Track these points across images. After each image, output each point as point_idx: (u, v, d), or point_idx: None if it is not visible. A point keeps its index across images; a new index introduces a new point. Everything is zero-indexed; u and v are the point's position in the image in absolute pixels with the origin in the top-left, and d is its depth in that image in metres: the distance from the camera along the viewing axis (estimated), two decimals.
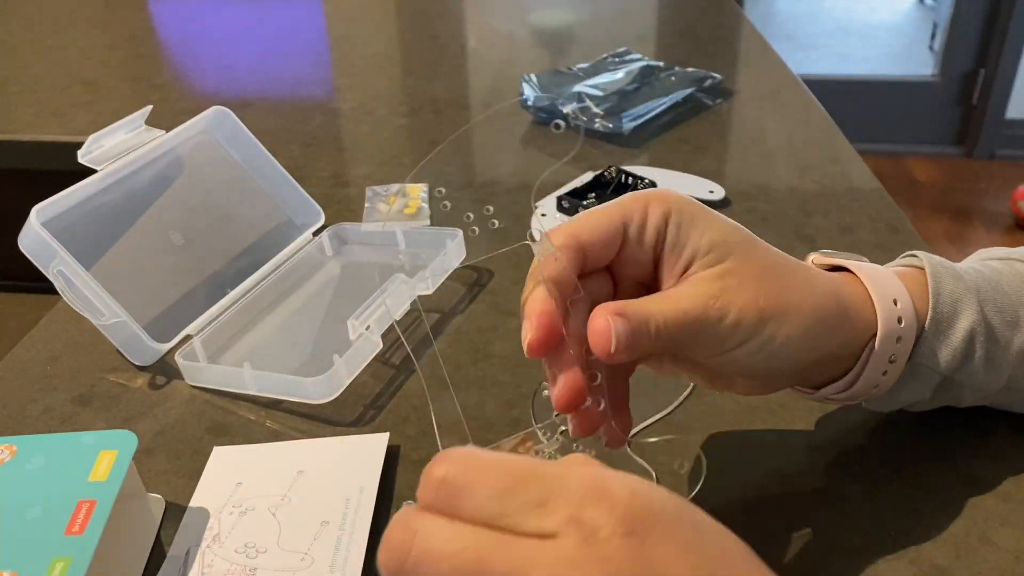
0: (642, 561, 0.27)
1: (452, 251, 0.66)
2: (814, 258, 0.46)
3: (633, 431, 0.52)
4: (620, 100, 0.94)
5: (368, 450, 0.50)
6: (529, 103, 0.95)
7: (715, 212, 0.41)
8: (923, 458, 0.49)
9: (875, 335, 0.41)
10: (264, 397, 0.56)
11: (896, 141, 2.95)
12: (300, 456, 0.51)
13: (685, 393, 0.54)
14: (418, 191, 0.80)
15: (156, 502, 0.48)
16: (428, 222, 0.75)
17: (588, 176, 0.77)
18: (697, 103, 0.98)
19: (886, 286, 0.42)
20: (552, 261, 0.38)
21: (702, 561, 0.29)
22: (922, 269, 0.44)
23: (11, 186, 0.97)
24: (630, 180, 0.75)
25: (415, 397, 0.56)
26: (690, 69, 1.03)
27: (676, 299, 0.38)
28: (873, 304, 0.42)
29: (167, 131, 0.66)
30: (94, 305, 0.56)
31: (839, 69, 3.14)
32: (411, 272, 0.62)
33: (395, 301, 0.59)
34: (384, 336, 0.59)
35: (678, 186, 0.77)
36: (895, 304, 0.42)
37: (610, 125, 0.89)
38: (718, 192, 0.77)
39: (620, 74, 1.00)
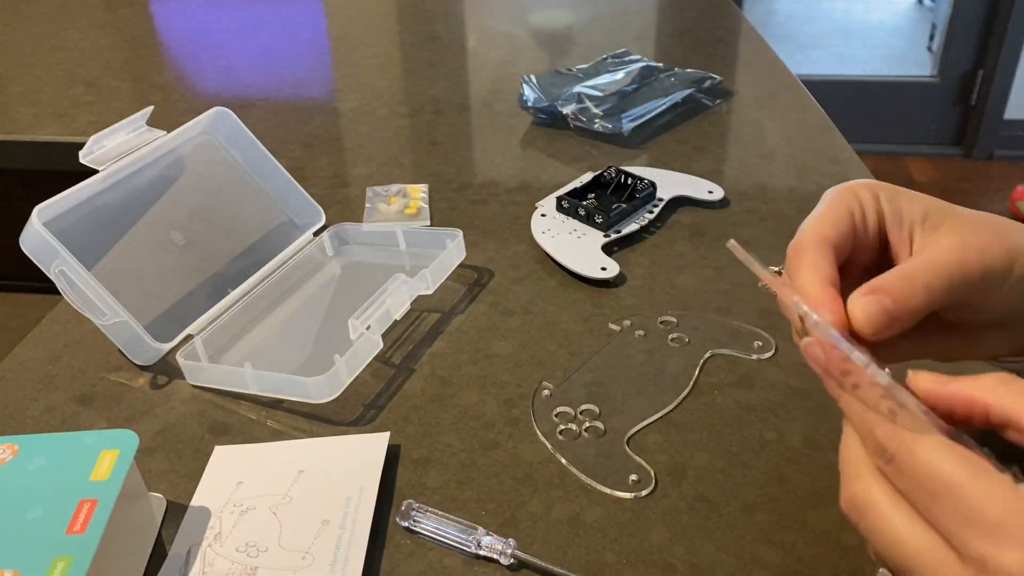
0: None
1: (452, 251, 0.66)
2: None
3: (632, 430, 0.52)
4: (619, 101, 0.94)
5: (369, 449, 0.50)
6: (529, 104, 0.95)
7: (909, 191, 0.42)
8: None
9: None
10: (265, 396, 0.56)
11: (895, 142, 2.95)
12: (301, 455, 0.51)
13: (684, 392, 0.55)
14: (418, 191, 0.80)
15: (157, 501, 0.48)
16: (428, 222, 0.75)
17: (588, 176, 0.78)
18: (696, 104, 0.98)
19: None
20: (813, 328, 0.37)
21: None
22: None
23: (13, 186, 0.97)
24: (630, 180, 0.75)
25: (415, 397, 0.56)
26: (689, 70, 1.03)
27: (928, 258, 0.38)
28: None
29: (168, 132, 0.66)
30: (95, 305, 0.56)
31: (838, 70, 3.14)
32: (411, 272, 0.62)
33: (395, 301, 0.60)
34: (384, 336, 0.59)
35: (677, 187, 0.78)
36: None
37: (609, 126, 0.89)
38: (717, 192, 0.77)
39: (619, 75, 1.01)
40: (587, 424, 0.52)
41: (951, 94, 2.87)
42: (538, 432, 0.52)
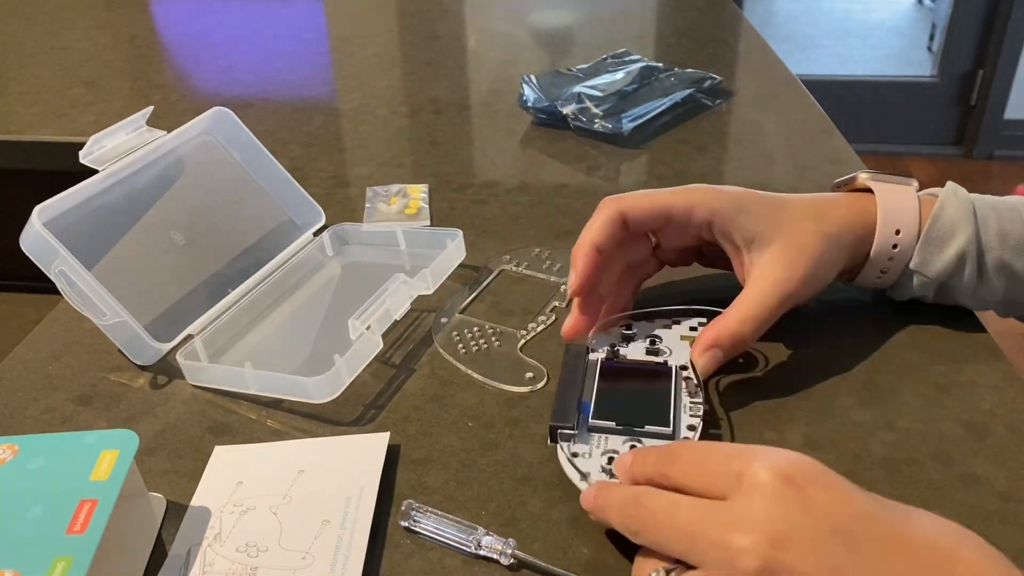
0: (802, 504, 0.32)
1: (452, 251, 0.66)
2: (863, 177, 0.57)
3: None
4: (619, 101, 0.94)
5: (369, 449, 0.50)
6: (529, 104, 0.95)
7: (752, 196, 0.55)
8: (923, 458, 0.49)
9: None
10: (265, 396, 0.56)
11: (895, 141, 2.95)
12: (301, 455, 0.51)
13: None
14: (418, 191, 0.80)
15: (157, 501, 0.48)
16: (428, 222, 0.75)
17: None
18: (696, 104, 0.98)
19: (895, 217, 0.55)
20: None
21: (865, 508, 0.33)
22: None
23: (13, 186, 0.97)
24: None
25: (416, 397, 0.56)
26: (689, 70, 1.03)
27: (755, 298, 0.52)
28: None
29: (168, 131, 0.66)
30: (95, 305, 0.56)
31: (838, 70, 3.14)
32: (411, 272, 0.62)
33: (395, 301, 0.60)
34: (384, 336, 0.59)
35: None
36: (896, 234, 0.54)
37: (609, 126, 0.89)
38: None
39: (619, 75, 1.01)
40: None
41: (951, 94, 2.87)
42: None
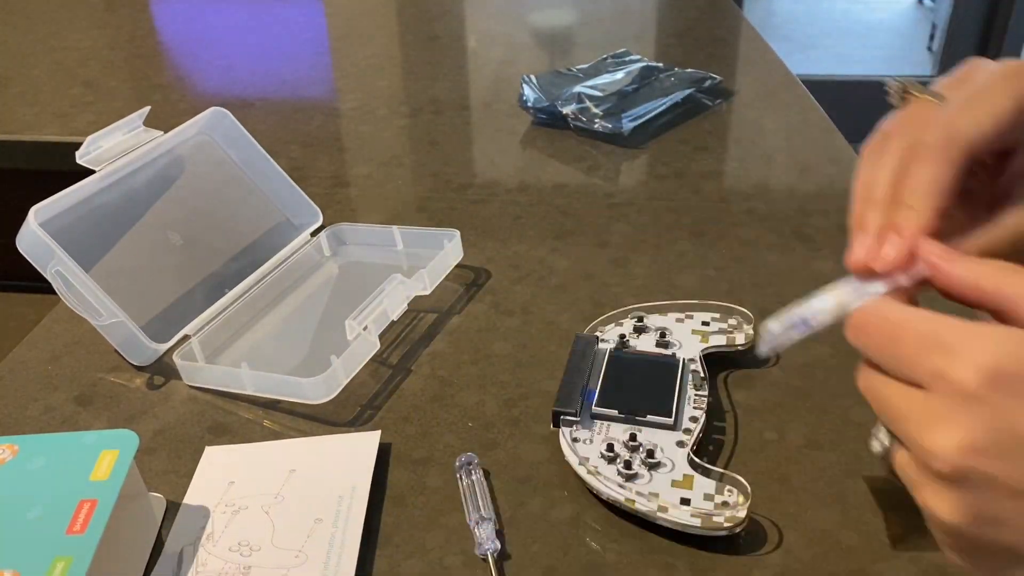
0: (1000, 414, 0.29)
1: (450, 251, 0.66)
2: None
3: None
4: (620, 101, 0.94)
5: (360, 448, 0.50)
6: (529, 104, 0.95)
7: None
8: None
9: None
10: (264, 397, 0.56)
11: None
12: (292, 455, 0.51)
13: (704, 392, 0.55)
14: None
15: (157, 501, 0.48)
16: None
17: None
18: (697, 104, 0.98)
19: None
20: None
21: None
22: None
23: (11, 186, 0.97)
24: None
25: (415, 397, 0.56)
26: (689, 70, 1.03)
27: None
28: None
29: (167, 132, 0.66)
30: (92, 306, 0.56)
31: (838, 70, 3.14)
32: (409, 272, 0.62)
33: (392, 301, 0.59)
34: (382, 336, 0.59)
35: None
36: None
37: (609, 125, 0.89)
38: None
39: (619, 75, 1.01)
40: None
41: None
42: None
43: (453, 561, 0.44)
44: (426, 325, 0.62)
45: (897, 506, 0.36)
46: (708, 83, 1.00)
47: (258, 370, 0.55)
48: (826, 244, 0.70)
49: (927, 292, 0.36)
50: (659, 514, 0.44)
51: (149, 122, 0.65)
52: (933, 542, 0.33)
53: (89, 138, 0.61)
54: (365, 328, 0.56)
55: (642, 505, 0.45)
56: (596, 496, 0.47)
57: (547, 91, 0.97)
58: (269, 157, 0.71)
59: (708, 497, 0.45)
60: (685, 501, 0.45)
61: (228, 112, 0.70)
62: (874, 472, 0.48)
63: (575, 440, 0.49)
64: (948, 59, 2.82)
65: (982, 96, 0.36)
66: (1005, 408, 0.30)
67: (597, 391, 0.51)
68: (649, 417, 0.49)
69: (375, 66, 1.17)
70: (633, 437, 0.48)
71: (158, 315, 0.60)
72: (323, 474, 0.49)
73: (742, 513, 0.44)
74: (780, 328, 0.37)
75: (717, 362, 0.57)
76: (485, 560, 0.44)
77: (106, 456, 0.43)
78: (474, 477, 0.48)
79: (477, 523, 0.45)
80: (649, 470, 0.47)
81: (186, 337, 0.59)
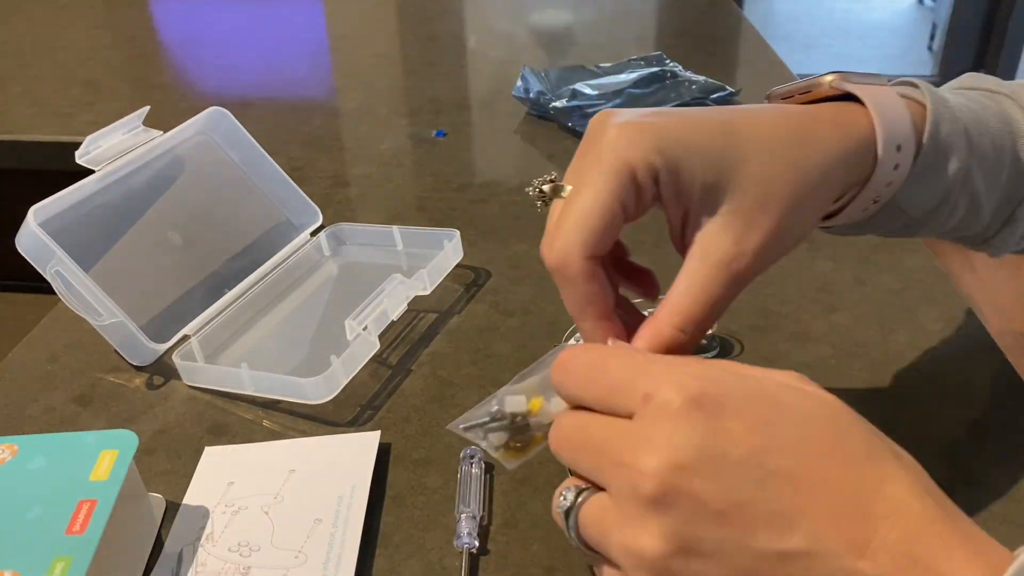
0: (712, 429, 0.30)
1: (450, 251, 0.66)
2: (831, 80, 0.42)
3: None
4: (625, 102, 0.94)
5: (359, 448, 0.50)
6: (520, 94, 0.96)
7: (689, 124, 0.37)
8: (923, 458, 0.49)
9: (867, 179, 0.40)
10: (264, 397, 0.56)
11: None
12: (291, 455, 0.51)
13: None
14: None
15: (157, 502, 0.48)
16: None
17: None
18: (699, 106, 0.97)
19: (895, 129, 0.39)
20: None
21: (766, 443, 0.30)
22: (923, 105, 0.41)
23: (11, 186, 0.97)
24: None
25: (415, 397, 0.56)
26: (703, 78, 0.99)
27: (699, 284, 0.37)
28: (877, 151, 0.39)
29: (167, 131, 0.66)
30: (91, 305, 0.56)
31: (838, 69, 3.14)
32: (409, 272, 0.62)
33: (392, 302, 0.59)
34: (382, 336, 0.59)
35: None
36: (898, 151, 0.39)
37: (580, 127, 0.89)
38: None
39: (622, 76, 1.00)
40: None
41: None
42: None
43: (453, 561, 0.44)
44: (426, 325, 0.62)
45: None
46: (721, 94, 0.97)
47: (258, 370, 0.55)
48: (826, 244, 0.70)
49: None
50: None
51: (149, 122, 0.65)
52: None
53: (88, 138, 0.61)
54: (365, 328, 0.56)
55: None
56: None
57: (553, 84, 0.97)
58: (269, 157, 0.71)
59: None
60: None
61: (228, 112, 0.70)
62: None
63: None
64: (948, 59, 2.82)
65: (583, 208, 0.37)
66: (709, 428, 0.30)
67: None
68: None
69: (375, 66, 1.17)
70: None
71: (158, 315, 0.60)
72: (323, 474, 0.49)
73: None
74: (465, 423, 0.39)
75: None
76: (461, 553, 0.44)
77: (106, 456, 0.43)
78: (474, 471, 0.48)
79: (461, 516, 0.45)
80: None
81: (186, 337, 0.59)
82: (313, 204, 0.72)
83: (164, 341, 0.59)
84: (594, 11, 1.36)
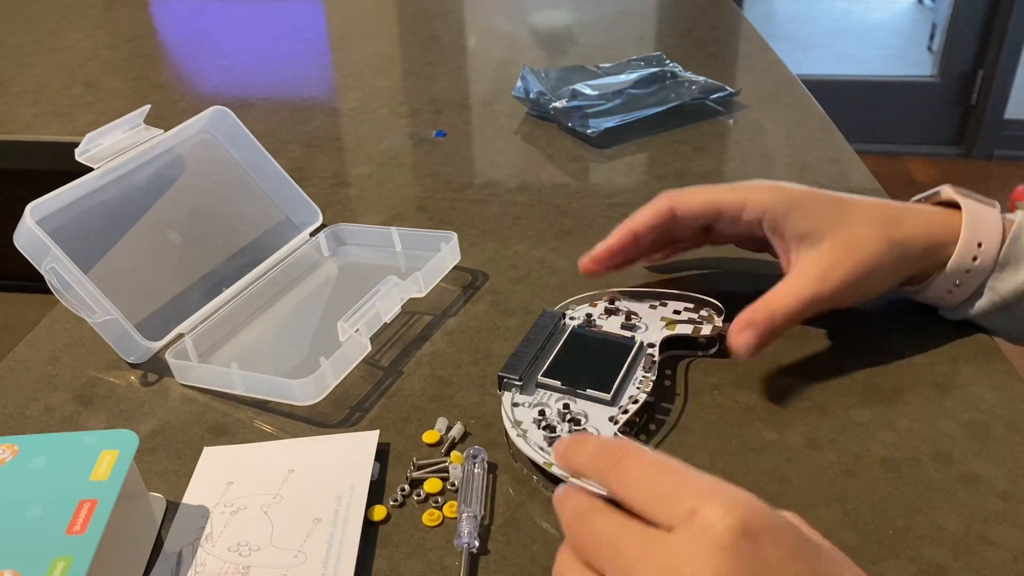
0: (752, 559, 0.30)
1: (446, 253, 0.66)
2: (946, 192, 0.57)
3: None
4: (625, 102, 0.94)
5: (358, 447, 0.50)
6: (520, 94, 0.95)
7: (810, 195, 0.54)
8: (923, 458, 0.49)
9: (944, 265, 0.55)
10: (259, 398, 0.56)
11: (895, 141, 2.95)
12: (290, 455, 0.51)
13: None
14: None
15: (157, 501, 0.48)
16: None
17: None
18: (700, 106, 0.97)
19: (979, 230, 0.54)
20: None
21: (810, 568, 0.31)
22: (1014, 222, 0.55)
23: (11, 186, 0.97)
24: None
25: (413, 396, 0.56)
26: (702, 78, 0.99)
27: (793, 288, 0.52)
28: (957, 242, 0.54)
29: (167, 131, 0.66)
30: (85, 303, 0.56)
31: (838, 69, 3.14)
32: (407, 273, 0.62)
33: (386, 304, 0.59)
34: (382, 337, 0.59)
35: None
36: (978, 247, 0.53)
37: (579, 127, 0.89)
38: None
39: (622, 76, 1.00)
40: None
41: (951, 94, 2.87)
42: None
43: (453, 561, 0.44)
44: (424, 326, 0.62)
45: None
46: (719, 95, 0.97)
47: (253, 370, 0.55)
48: None
49: None
50: (572, 479, 0.43)
51: (149, 122, 0.65)
52: None
53: (88, 136, 0.61)
54: (357, 330, 0.56)
55: (558, 469, 0.45)
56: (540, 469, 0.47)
57: (553, 84, 0.97)
58: (270, 156, 0.71)
59: None
60: None
61: (229, 111, 0.70)
62: (874, 473, 0.48)
63: (515, 405, 0.51)
64: (948, 59, 2.82)
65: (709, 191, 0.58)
66: (750, 557, 0.30)
67: (548, 363, 0.53)
68: (589, 391, 0.51)
69: (375, 66, 1.17)
70: (566, 407, 0.50)
71: (153, 313, 0.60)
72: (322, 474, 0.49)
73: None
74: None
75: (717, 360, 0.57)
76: (461, 553, 0.44)
77: (106, 456, 0.43)
78: (476, 470, 0.48)
79: (462, 515, 0.45)
80: None
81: (181, 335, 0.59)
82: (313, 204, 0.72)
83: (159, 339, 0.59)
84: (594, 11, 1.36)
